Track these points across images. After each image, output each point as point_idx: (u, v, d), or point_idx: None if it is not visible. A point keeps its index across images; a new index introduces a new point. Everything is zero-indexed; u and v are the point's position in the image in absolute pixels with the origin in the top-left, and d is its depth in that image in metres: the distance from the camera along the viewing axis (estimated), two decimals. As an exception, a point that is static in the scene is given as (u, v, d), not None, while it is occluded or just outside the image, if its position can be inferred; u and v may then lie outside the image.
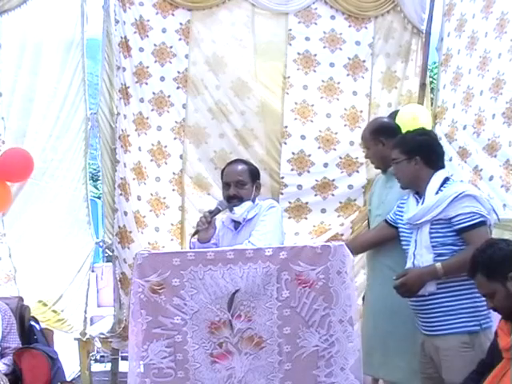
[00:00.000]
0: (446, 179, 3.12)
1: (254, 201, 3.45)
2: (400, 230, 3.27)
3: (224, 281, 2.83)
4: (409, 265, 3.13)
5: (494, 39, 3.88)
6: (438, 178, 3.11)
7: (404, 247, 3.23)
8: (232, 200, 3.42)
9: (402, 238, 3.25)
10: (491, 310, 2.87)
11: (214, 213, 3.41)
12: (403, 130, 4.46)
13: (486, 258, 2.54)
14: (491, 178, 3.82)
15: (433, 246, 3.02)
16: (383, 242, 3.47)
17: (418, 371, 3.22)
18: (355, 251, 3.39)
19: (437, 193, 3.06)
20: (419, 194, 3.16)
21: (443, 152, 3.28)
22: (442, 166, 3.19)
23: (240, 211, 3.40)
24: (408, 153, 3.15)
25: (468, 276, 2.68)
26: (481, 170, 3.93)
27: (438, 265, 2.96)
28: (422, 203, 3.09)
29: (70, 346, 4.78)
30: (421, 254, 3.05)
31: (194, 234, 3.46)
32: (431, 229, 3.03)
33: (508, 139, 3.69)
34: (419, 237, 3.07)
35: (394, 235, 3.34)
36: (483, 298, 2.75)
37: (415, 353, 3.25)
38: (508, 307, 2.51)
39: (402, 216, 3.26)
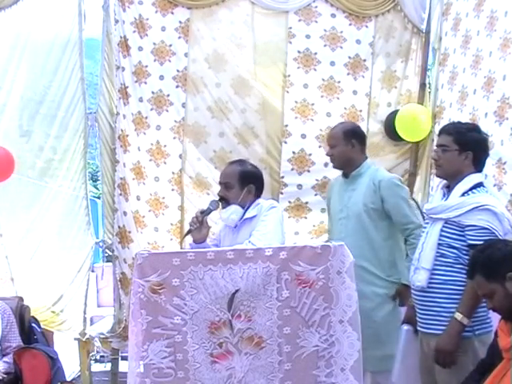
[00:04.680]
0: (479, 184, 3.01)
1: (244, 205, 3.43)
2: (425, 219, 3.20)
3: (224, 281, 2.82)
4: (415, 256, 3.09)
5: (485, 37, 3.87)
6: (470, 180, 2.99)
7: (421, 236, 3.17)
8: (222, 201, 3.46)
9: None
10: (489, 316, 2.88)
11: (205, 213, 3.41)
12: (403, 130, 4.48)
13: (484, 258, 2.53)
14: (485, 178, 3.82)
15: (439, 244, 2.96)
16: None
17: (392, 356, 3.28)
18: None
19: (463, 195, 2.97)
20: (449, 187, 3.06)
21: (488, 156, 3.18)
22: (481, 170, 3.09)
23: (225, 215, 3.43)
24: (463, 145, 2.99)
25: (467, 277, 2.68)
26: None
27: (458, 315, 2.82)
28: (447, 199, 3.02)
29: (70, 346, 4.79)
30: (426, 248, 3.01)
31: (186, 234, 3.47)
32: (444, 227, 2.97)
33: (500, 138, 3.67)
34: (431, 230, 3.03)
35: None
36: (480, 305, 2.76)
37: (389, 341, 3.42)
38: (507, 307, 2.50)
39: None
